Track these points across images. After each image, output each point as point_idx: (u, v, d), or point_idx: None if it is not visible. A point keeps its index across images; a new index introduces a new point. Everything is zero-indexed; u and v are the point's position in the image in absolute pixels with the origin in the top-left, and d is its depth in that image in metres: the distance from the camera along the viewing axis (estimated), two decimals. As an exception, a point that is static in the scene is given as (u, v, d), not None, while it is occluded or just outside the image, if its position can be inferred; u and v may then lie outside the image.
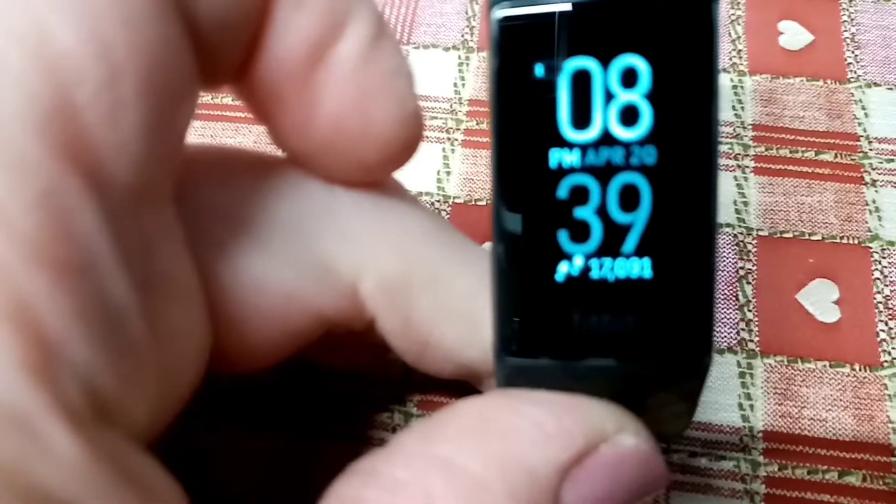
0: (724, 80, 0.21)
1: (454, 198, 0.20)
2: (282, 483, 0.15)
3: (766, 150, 0.20)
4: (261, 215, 0.11)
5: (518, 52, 0.10)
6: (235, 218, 0.11)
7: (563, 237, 0.10)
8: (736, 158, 0.20)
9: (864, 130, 0.20)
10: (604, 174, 0.10)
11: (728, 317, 0.18)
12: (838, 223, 0.19)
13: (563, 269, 0.10)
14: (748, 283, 0.18)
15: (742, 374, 0.17)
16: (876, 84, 0.21)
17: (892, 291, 0.18)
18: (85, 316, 0.08)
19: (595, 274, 0.10)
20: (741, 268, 0.19)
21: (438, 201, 0.20)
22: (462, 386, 0.14)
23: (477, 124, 0.21)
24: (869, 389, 0.17)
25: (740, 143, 0.20)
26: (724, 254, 0.19)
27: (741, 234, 0.19)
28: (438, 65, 0.22)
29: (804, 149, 0.20)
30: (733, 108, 0.21)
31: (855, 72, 0.21)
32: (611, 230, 0.10)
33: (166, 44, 0.08)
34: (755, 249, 0.19)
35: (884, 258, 0.19)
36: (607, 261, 0.10)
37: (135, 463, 0.08)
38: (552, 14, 0.10)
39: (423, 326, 0.12)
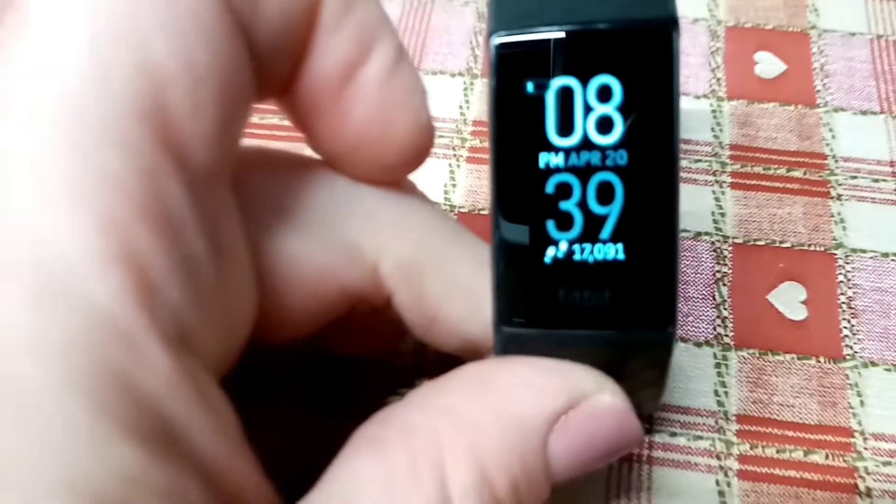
0: (705, 105, 0.24)
1: (459, 207, 0.22)
2: (306, 456, 0.17)
3: (742, 167, 0.22)
4: (299, 205, 0.13)
5: (513, 72, 0.12)
6: (279, 206, 0.13)
7: (550, 226, 0.12)
8: (714, 175, 0.22)
9: (832, 150, 0.23)
10: (584, 173, 0.12)
11: (706, 314, 0.20)
12: (806, 232, 0.21)
13: (550, 253, 0.12)
14: (724, 284, 0.20)
15: (718, 365, 0.19)
16: (842, 109, 0.23)
17: (854, 293, 0.20)
18: (175, 264, 0.10)
19: (577, 256, 0.12)
20: (718, 271, 0.21)
21: (445, 210, 0.22)
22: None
23: (480, 142, 0.23)
24: (832, 379, 0.19)
25: (718, 161, 0.22)
26: (703, 259, 0.21)
27: (718, 241, 0.21)
28: (446, 89, 0.24)
29: (776, 166, 0.22)
30: (713, 129, 0.23)
31: (824, 98, 0.24)
32: (590, 220, 0.12)
33: (234, 61, 0.11)
34: (731, 255, 0.21)
35: (847, 263, 0.21)
36: (587, 245, 0.12)
37: (207, 386, 0.10)
38: (542, 41, 0.12)
39: (431, 303, 0.14)
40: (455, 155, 0.23)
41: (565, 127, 0.12)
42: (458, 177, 0.22)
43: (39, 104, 0.09)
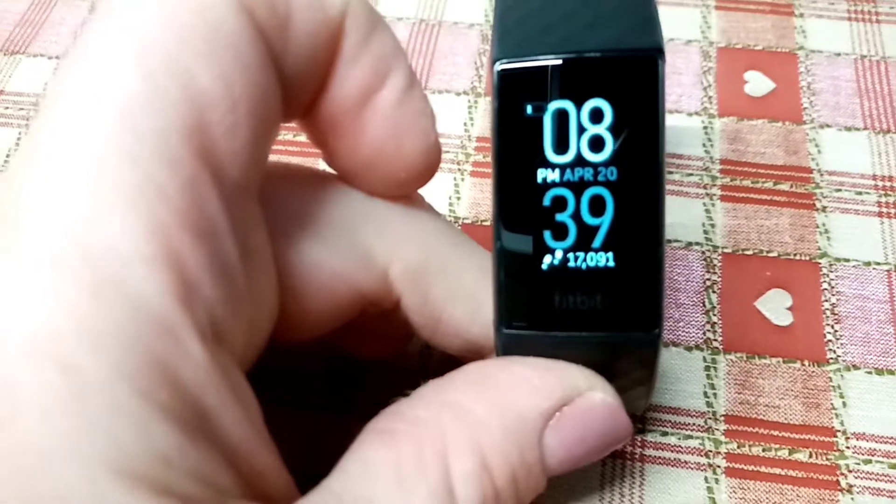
0: (697, 122, 0.25)
1: (463, 218, 0.23)
2: (319, 453, 0.18)
3: (731, 180, 0.23)
4: (318, 216, 0.14)
5: (513, 95, 0.13)
6: (300, 217, 0.14)
7: (547, 236, 0.14)
8: (705, 188, 0.23)
9: (817, 165, 0.24)
10: (578, 188, 0.13)
11: (696, 320, 0.21)
12: (792, 242, 0.22)
13: (547, 261, 0.14)
14: (714, 291, 0.21)
15: (707, 368, 0.20)
16: (828, 125, 0.25)
17: (837, 300, 0.21)
18: (211, 267, 0.11)
19: (572, 264, 0.13)
20: (708, 279, 0.22)
21: (450, 221, 0.23)
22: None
23: (483, 157, 0.24)
24: (816, 382, 0.20)
25: (709, 174, 0.24)
26: (694, 267, 0.22)
27: (708, 251, 0.22)
28: (451, 107, 0.25)
29: (764, 180, 0.23)
30: (704, 145, 0.24)
31: (810, 115, 0.25)
32: (583, 230, 0.13)
33: (265, 87, 0.12)
34: (720, 264, 0.22)
35: (831, 272, 0.22)
36: (581, 254, 0.13)
37: (236, 378, 0.11)
38: (541, 67, 0.13)
39: (437, 305, 0.15)
40: (460, 169, 0.24)
41: (561, 145, 0.13)
42: (463, 189, 0.24)
43: (101, 120, 0.11)
